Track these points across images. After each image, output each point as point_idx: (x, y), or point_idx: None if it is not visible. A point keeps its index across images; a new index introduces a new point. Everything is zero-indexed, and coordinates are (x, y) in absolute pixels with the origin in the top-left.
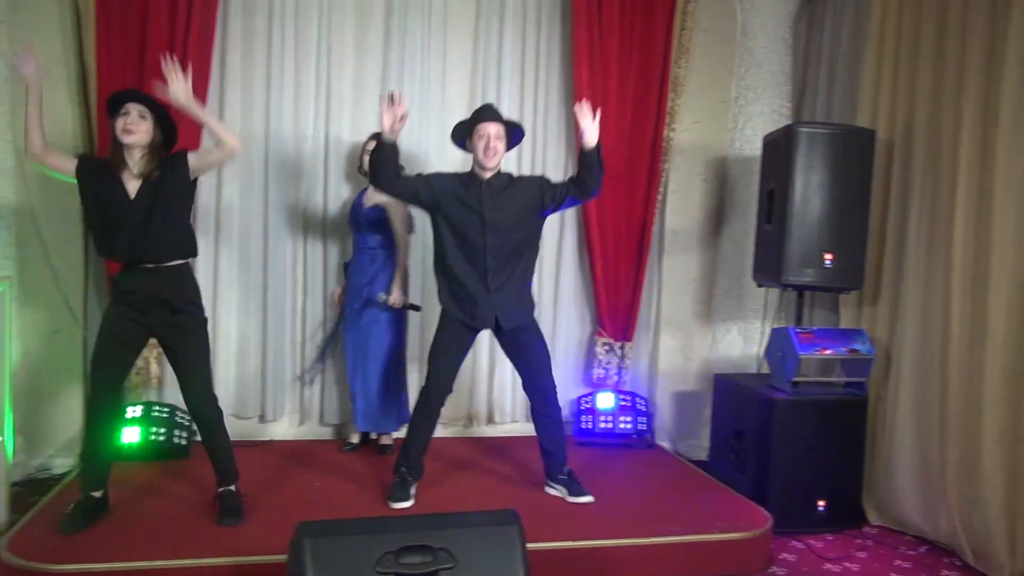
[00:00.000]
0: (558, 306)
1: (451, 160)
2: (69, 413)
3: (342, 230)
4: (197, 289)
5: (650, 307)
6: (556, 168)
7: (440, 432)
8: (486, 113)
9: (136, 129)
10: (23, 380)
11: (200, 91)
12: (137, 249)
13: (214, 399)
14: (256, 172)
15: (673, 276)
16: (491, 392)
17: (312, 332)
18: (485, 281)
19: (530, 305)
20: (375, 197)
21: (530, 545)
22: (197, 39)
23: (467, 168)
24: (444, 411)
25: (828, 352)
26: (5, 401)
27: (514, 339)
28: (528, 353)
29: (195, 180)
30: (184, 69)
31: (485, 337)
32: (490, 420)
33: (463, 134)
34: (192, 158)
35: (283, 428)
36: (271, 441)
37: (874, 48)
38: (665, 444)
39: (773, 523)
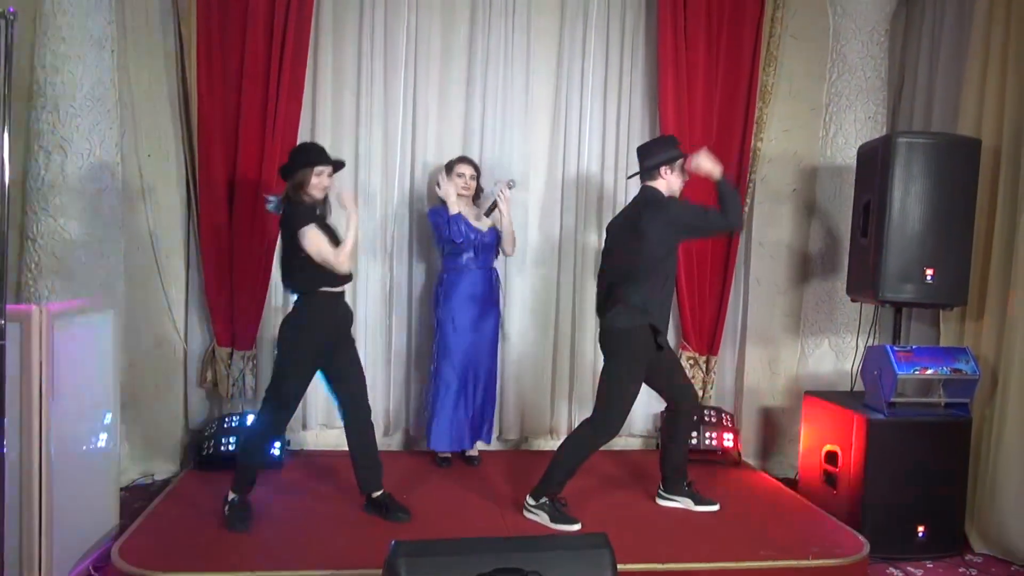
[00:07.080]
0: None
1: (535, 167)
2: (171, 422)
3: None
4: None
5: (736, 321)
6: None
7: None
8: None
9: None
10: (126, 392)
11: (293, 109)
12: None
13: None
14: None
15: (760, 289)
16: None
17: (398, 348)
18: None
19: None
20: (489, 221)
21: (621, 566)
22: (291, 62)
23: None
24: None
25: (929, 372)
26: (114, 411)
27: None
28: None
29: None
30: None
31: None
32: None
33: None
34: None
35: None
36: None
37: (979, 49)
38: (751, 461)
39: (869, 548)
